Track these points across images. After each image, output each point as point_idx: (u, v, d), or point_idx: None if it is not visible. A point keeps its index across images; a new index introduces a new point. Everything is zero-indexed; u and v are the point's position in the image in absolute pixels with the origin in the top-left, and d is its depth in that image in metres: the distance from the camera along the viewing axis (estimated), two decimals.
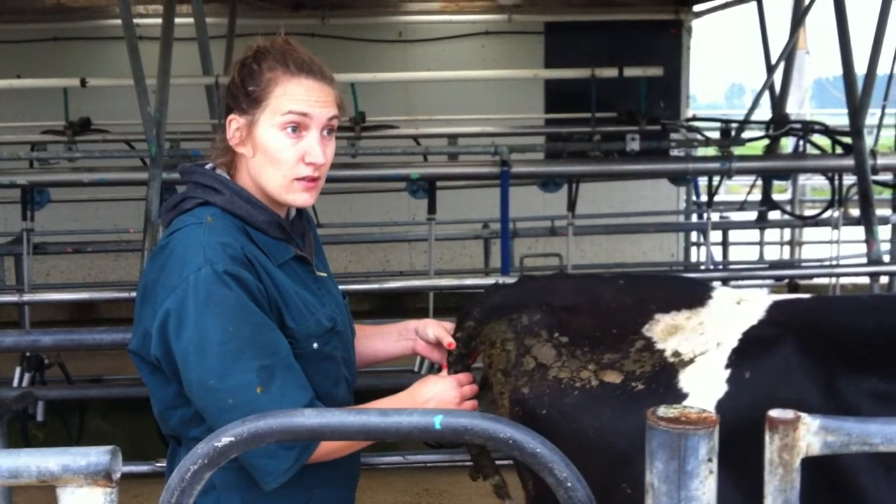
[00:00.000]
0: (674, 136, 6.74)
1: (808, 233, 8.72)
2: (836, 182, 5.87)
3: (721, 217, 8.25)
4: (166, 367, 1.74)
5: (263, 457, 1.69)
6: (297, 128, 1.81)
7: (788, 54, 6.75)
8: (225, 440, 1.19)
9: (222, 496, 1.80)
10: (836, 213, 6.05)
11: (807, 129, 6.08)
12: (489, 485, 2.12)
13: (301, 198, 1.85)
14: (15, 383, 4.95)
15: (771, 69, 6.80)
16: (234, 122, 1.83)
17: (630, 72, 6.46)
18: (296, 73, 1.81)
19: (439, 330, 2.06)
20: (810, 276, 7.44)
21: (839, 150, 5.48)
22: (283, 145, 1.80)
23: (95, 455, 1.18)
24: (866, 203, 4.93)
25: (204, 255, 1.71)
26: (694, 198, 8.44)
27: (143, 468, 3.89)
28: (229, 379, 1.67)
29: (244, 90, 1.81)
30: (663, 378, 1.71)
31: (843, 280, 6.50)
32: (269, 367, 1.70)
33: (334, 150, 1.88)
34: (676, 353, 1.75)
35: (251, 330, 1.70)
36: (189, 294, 1.69)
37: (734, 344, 1.70)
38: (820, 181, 9.75)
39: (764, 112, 7.40)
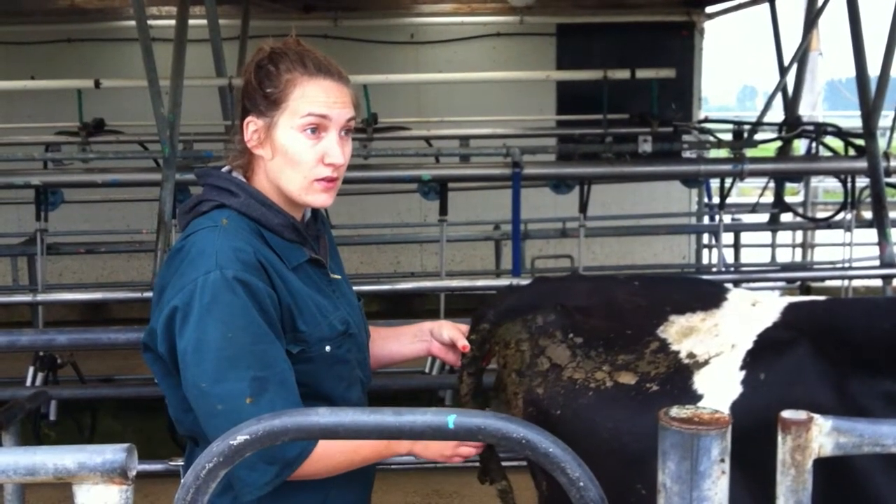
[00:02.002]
0: (686, 137, 6.73)
1: (821, 235, 8.70)
2: (849, 184, 5.85)
3: (733, 219, 8.23)
4: (171, 364, 1.76)
5: (244, 468, 1.68)
6: (317, 129, 1.81)
7: (801, 56, 6.73)
8: (240, 438, 1.20)
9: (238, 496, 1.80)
10: (849, 216, 6.03)
11: (819, 130, 6.06)
12: (495, 489, 2.12)
13: (320, 198, 1.85)
14: (28, 382, 4.98)
15: (784, 71, 6.78)
16: (252, 125, 1.83)
17: (642, 73, 6.45)
18: (314, 74, 1.81)
19: (454, 332, 2.06)
20: (822, 279, 7.41)
21: (852, 152, 5.47)
22: (303, 147, 1.81)
23: (111, 453, 1.19)
24: (879, 205, 4.91)
25: (215, 260, 1.71)
26: (706, 200, 8.42)
27: (156, 467, 3.90)
28: (221, 385, 1.68)
29: (262, 92, 1.81)
30: (678, 379, 1.71)
31: (856, 283, 6.48)
32: (263, 380, 1.69)
33: (351, 150, 1.88)
34: (691, 355, 1.75)
35: (250, 339, 1.69)
36: (196, 295, 1.69)
37: (749, 346, 1.70)
38: (832, 183, 9.74)
39: (776, 114, 7.38)
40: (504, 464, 2.08)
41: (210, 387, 1.68)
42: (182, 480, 1.23)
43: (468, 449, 1.84)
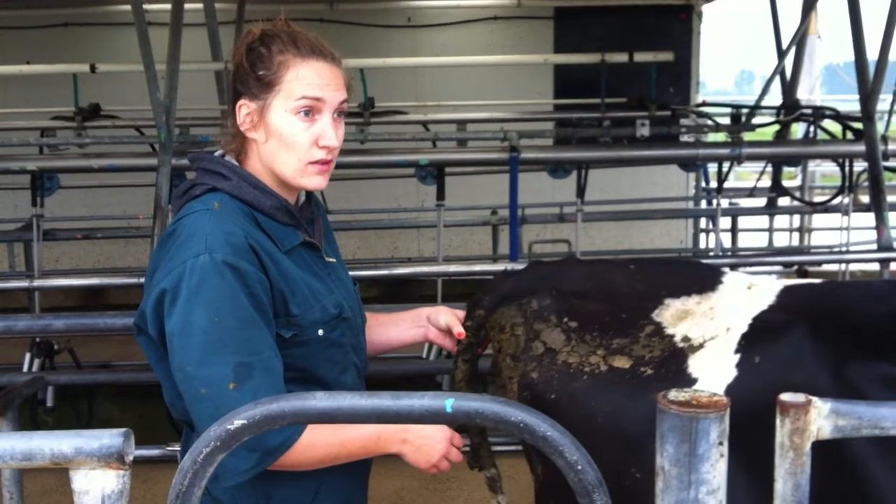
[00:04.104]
0: (684, 121, 6.72)
1: (818, 219, 8.69)
2: (847, 168, 5.85)
3: (730, 203, 8.23)
4: (162, 347, 1.75)
5: None
6: (310, 112, 1.80)
7: (799, 39, 6.71)
8: (237, 423, 1.19)
9: None
10: (847, 200, 6.03)
11: (817, 114, 6.05)
12: (484, 476, 2.12)
13: (315, 181, 1.84)
14: (25, 368, 4.98)
15: (782, 54, 6.76)
16: (245, 108, 1.82)
17: (640, 57, 6.43)
18: (307, 55, 1.80)
19: (451, 318, 2.06)
20: (820, 263, 7.42)
21: (850, 135, 5.46)
22: (297, 130, 1.80)
23: (108, 437, 1.18)
24: (877, 189, 4.91)
25: (205, 243, 1.71)
26: (703, 184, 8.42)
27: (153, 452, 3.90)
28: (205, 369, 1.67)
29: (254, 75, 1.80)
30: (673, 363, 1.71)
31: (853, 266, 6.48)
32: (248, 365, 1.68)
33: (344, 132, 1.88)
34: (686, 339, 1.74)
35: (237, 324, 1.69)
36: (184, 278, 1.69)
37: (744, 329, 1.70)
38: (830, 167, 9.73)
39: (774, 98, 7.37)
40: (500, 448, 2.08)
41: (195, 370, 1.68)
42: (179, 465, 1.23)
43: (446, 463, 1.83)
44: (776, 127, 6.50)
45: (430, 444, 1.80)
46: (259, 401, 1.22)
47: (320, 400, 1.22)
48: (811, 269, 7.49)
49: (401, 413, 1.22)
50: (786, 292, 1.77)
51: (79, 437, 1.18)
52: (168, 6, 4.80)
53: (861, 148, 5.07)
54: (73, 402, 5.46)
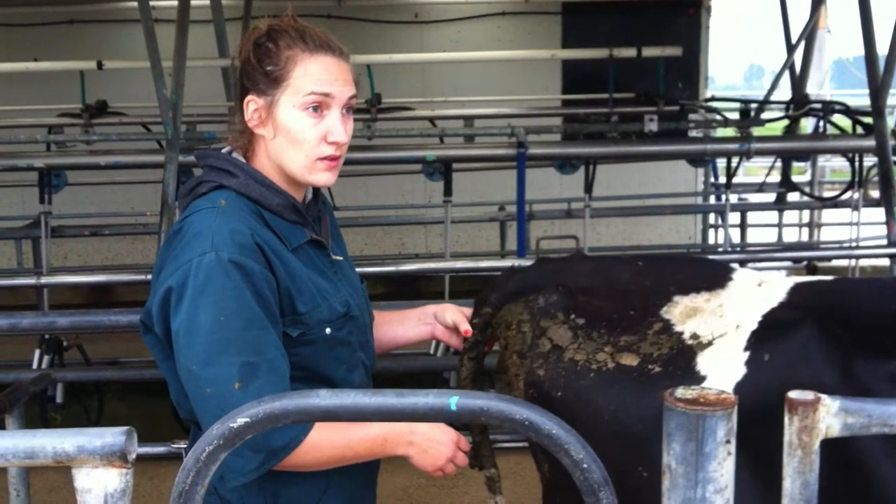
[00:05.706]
0: (692, 116, 6.69)
1: (828, 215, 8.67)
2: (857, 163, 5.82)
3: (739, 199, 8.21)
4: (168, 345, 1.75)
5: (230, 453, 1.67)
6: (319, 107, 1.79)
7: (809, 34, 6.68)
8: (240, 421, 1.19)
9: None
10: (856, 195, 5.99)
11: (827, 109, 6.02)
12: (483, 475, 2.11)
13: (324, 177, 1.83)
14: (34, 366, 4.99)
15: (791, 49, 6.73)
16: (252, 104, 1.80)
17: (648, 52, 6.41)
18: (315, 50, 1.79)
19: (457, 315, 2.05)
20: (829, 258, 7.38)
21: (860, 130, 5.43)
22: (306, 125, 1.78)
23: (111, 436, 1.18)
24: (887, 184, 4.88)
25: (211, 241, 1.70)
26: (712, 179, 8.39)
27: (159, 449, 3.90)
28: (211, 368, 1.66)
29: (262, 70, 1.78)
30: (681, 361, 1.69)
31: (863, 262, 6.45)
32: (253, 365, 1.67)
33: (352, 128, 1.86)
34: (695, 336, 1.73)
35: (242, 324, 1.68)
36: (190, 276, 1.68)
37: (753, 326, 1.68)
38: (840, 162, 9.70)
39: (783, 93, 7.33)
40: (507, 445, 2.07)
41: (200, 370, 1.67)
42: (183, 463, 1.22)
43: (451, 467, 1.83)
44: (785, 122, 6.47)
45: (436, 447, 1.80)
46: (262, 399, 1.21)
47: (324, 398, 1.21)
48: (821, 264, 7.46)
49: (405, 411, 1.21)
50: (796, 289, 1.75)
51: (81, 436, 1.18)
52: (175, 3, 4.79)
53: (871, 143, 5.04)
54: (82, 398, 5.46)
